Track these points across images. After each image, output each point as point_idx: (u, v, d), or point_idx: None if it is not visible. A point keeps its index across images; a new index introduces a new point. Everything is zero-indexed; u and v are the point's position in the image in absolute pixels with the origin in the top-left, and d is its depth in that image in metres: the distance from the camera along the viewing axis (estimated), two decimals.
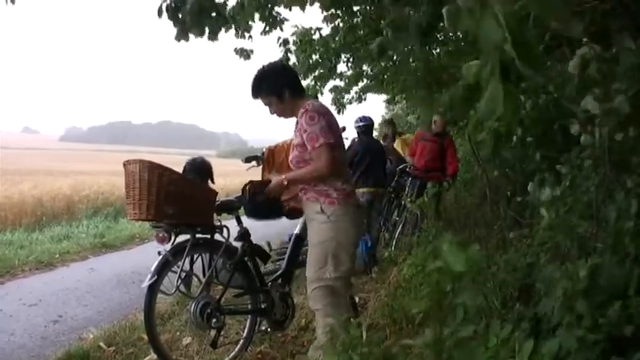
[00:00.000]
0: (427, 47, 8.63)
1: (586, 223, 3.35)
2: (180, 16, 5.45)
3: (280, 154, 5.19)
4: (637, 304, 2.43)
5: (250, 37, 8.57)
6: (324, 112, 4.22)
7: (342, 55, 11.95)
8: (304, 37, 11.25)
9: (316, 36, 11.18)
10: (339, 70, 13.10)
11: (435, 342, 2.18)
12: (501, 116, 1.56)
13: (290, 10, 7.30)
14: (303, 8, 6.31)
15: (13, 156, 62.17)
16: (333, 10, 9.12)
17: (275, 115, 4.51)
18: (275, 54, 10.97)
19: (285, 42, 10.54)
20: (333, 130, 4.17)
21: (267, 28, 8.55)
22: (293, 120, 4.41)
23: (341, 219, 4.16)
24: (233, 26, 6.76)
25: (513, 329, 2.64)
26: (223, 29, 6.15)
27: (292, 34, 11.36)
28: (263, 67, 4.47)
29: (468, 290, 2.45)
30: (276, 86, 4.37)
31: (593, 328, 2.40)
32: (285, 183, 4.31)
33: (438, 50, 9.36)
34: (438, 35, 8.39)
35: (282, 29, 8.66)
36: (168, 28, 5.58)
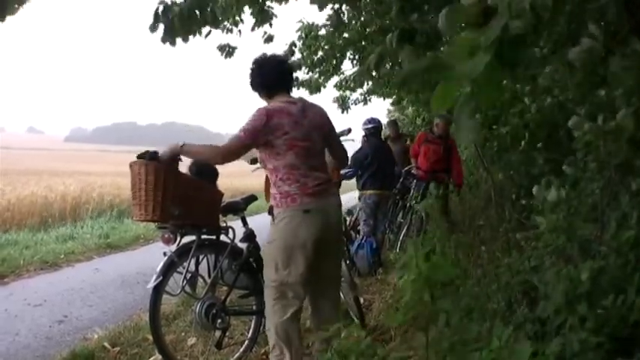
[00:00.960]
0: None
1: (590, 226, 3.35)
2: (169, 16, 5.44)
3: None
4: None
5: (240, 31, 8.53)
6: (269, 110, 4.21)
7: (348, 53, 11.93)
8: (309, 33, 11.23)
9: (322, 32, 11.16)
10: (344, 68, 13.12)
11: (427, 346, 2.20)
12: (482, 95, 1.55)
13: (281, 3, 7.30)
14: None
15: (17, 156, 62.31)
16: (336, 6, 9.05)
17: None
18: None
19: (270, 39, 10.47)
20: (271, 130, 4.13)
21: (258, 24, 8.48)
22: None
23: (284, 222, 4.14)
24: (221, 21, 6.74)
25: (516, 331, 2.65)
26: (210, 29, 6.08)
27: (297, 30, 11.34)
28: (253, 61, 4.51)
29: (448, 297, 2.47)
30: (254, 84, 4.47)
31: (596, 330, 2.40)
32: (180, 148, 4.35)
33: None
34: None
35: (271, 25, 8.59)
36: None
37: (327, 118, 4.50)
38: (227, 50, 9.89)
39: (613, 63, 2.04)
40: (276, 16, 8.42)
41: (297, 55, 11.65)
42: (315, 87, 12.92)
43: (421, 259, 2.24)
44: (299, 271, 4.19)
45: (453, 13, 1.83)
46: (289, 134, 4.15)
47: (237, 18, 7.77)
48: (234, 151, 4.12)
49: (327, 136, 4.43)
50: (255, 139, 4.11)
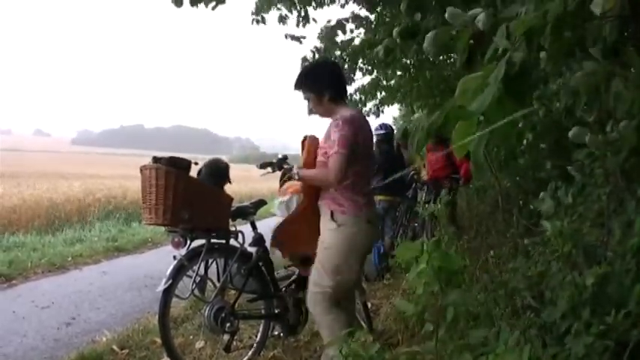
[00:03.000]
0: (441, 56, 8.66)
1: (596, 232, 3.38)
2: None
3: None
4: None
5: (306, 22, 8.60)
6: (353, 121, 4.13)
7: (359, 62, 11.97)
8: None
9: (339, 38, 11.20)
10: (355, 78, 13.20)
11: (437, 340, 2.22)
12: (495, 131, 1.60)
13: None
14: None
15: (25, 158, 62.38)
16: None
17: (310, 111, 4.52)
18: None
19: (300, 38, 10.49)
20: (358, 142, 4.11)
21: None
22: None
23: (349, 229, 4.15)
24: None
25: (522, 336, 2.67)
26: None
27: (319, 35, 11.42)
28: (314, 62, 4.49)
29: (456, 290, 2.49)
30: (319, 85, 4.36)
31: (601, 335, 2.42)
32: (296, 177, 4.36)
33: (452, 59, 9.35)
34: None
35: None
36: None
37: None
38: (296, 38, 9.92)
39: (615, 84, 2.06)
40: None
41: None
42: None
43: (432, 249, 2.28)
44: (353, 276, 4.31)
45: (439, 36, 1.87)
46: (364, 143, 4.22)
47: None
48: (343, 168, 4.04)
49: None
50: (353, 150, 4.08)
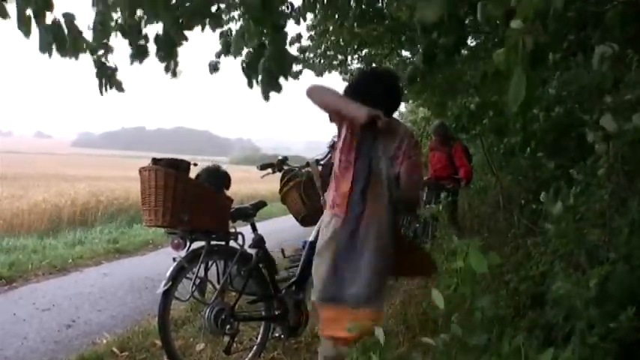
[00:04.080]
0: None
1: (599, 232, 3.36)
2: None
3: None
4: None
5: None
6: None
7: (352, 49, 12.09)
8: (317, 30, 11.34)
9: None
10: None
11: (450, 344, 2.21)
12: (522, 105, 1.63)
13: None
14: None
15: (25, 160, 62.35)
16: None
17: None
18: None
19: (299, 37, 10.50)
20: None
21: None
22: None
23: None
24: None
25: (525, 337, 2.65)
26: None
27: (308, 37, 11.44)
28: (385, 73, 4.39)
29: (487, 295, 2.47)
30: (392, 99, 4.05)
31: (605, 335, 2.41)
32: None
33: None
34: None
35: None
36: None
37: None
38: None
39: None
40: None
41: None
42: (319, 71, 13.15)
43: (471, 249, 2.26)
44: None
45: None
46: None
47: None
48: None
49: None
50: None
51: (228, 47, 6.78)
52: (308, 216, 5.04)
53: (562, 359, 2.36)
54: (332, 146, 4.72)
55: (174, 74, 6.00)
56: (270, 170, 5.10)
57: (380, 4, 8.05)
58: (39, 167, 45.09)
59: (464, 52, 8.63)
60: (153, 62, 5.81)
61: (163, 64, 5.90)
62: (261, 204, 5.45)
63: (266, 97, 5.37)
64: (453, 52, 5.28)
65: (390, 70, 4.88)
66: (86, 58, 5.14)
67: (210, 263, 4.93)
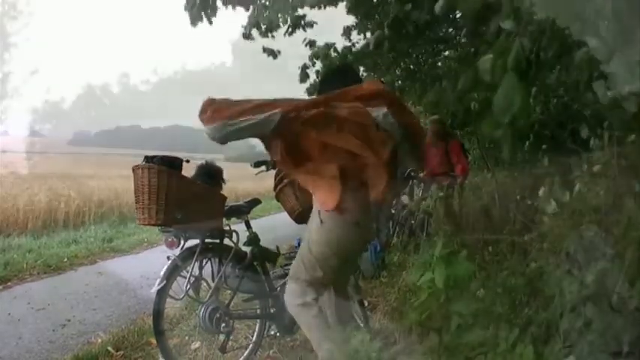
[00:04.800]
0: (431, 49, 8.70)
1: (595, 228, 3.34)
2: None
3: None
4: None
5: (273, 36, 8.64)
6: None
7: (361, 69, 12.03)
8: (323, 53, 11.28)
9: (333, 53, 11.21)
10: None
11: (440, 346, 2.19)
12: (515, 113, 1.59)
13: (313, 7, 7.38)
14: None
15: (20, 159, 62.18)
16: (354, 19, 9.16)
17: None
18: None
19: (312, 43, 10.53)
20: None
21: (291, 29, 8.59)
22: None
23: (333, 228, 4.06)
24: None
25: (522, 334, 2.64)
26: None
27: (311, 56, 11.39)
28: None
29: (463, 299, 2.46)
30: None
31: (603, 332, 2.39)
32: None
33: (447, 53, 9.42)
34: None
35: (305, 29, 8.67)
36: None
37: None
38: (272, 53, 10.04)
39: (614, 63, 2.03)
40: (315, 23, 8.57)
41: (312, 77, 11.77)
42: None
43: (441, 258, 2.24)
44: (331, 276, 4.28)
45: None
46: None
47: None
48: None
49: None
50: None
51: None
52: (302, 213, 5.02)
53: (559, 356, 2.35)
54: None
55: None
56: (264, 168, 5.07)
57: None
58: (34, 167, 45.01)
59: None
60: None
61: None
62: (255, 201, 5.42)
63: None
64: (423, 30, 5.30)
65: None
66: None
67: (204, 261, 4.91)
